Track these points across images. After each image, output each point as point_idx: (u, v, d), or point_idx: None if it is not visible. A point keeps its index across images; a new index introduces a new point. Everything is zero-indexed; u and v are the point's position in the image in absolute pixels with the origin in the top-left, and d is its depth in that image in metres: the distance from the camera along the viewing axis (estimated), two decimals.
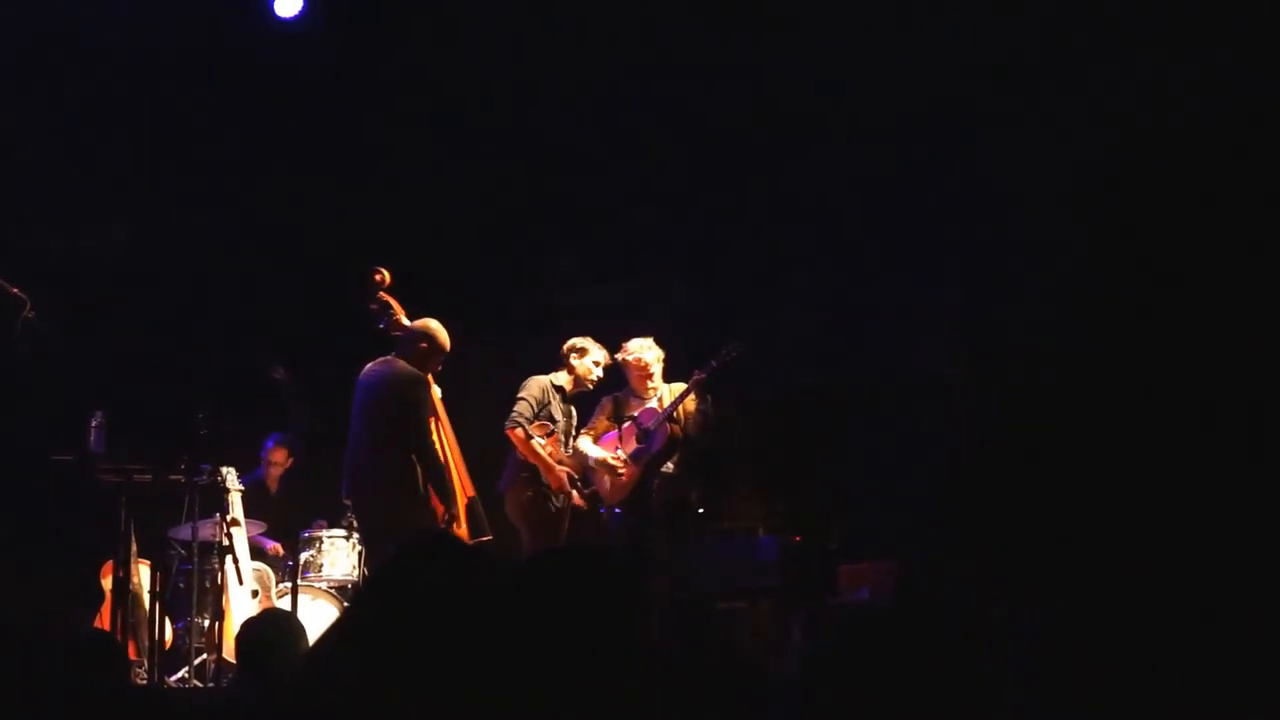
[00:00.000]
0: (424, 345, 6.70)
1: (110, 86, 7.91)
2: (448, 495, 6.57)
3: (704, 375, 6.99)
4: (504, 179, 8.64)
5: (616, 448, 7.20)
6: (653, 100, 8.26)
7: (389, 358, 6.74)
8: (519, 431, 7.04)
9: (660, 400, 7.21)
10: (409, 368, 6.64)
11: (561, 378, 7.29)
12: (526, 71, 8.37)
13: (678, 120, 8.30)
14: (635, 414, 7.14)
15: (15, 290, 6.08)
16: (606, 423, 7.30)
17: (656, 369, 7.21)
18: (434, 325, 6.75)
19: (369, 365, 6.79)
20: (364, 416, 6.63)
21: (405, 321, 6.92)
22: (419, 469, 6.55)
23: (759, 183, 8.27)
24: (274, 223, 8.47)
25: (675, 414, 7.11)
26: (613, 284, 8.32)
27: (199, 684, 6.70)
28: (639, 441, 7.13)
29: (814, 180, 8.05)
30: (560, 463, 7.15)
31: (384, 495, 6.54)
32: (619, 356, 7.24)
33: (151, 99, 8.05)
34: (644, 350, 7.20)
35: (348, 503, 7.32)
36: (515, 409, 7.09)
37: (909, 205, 7.75)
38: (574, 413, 7.37)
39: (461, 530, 6.79)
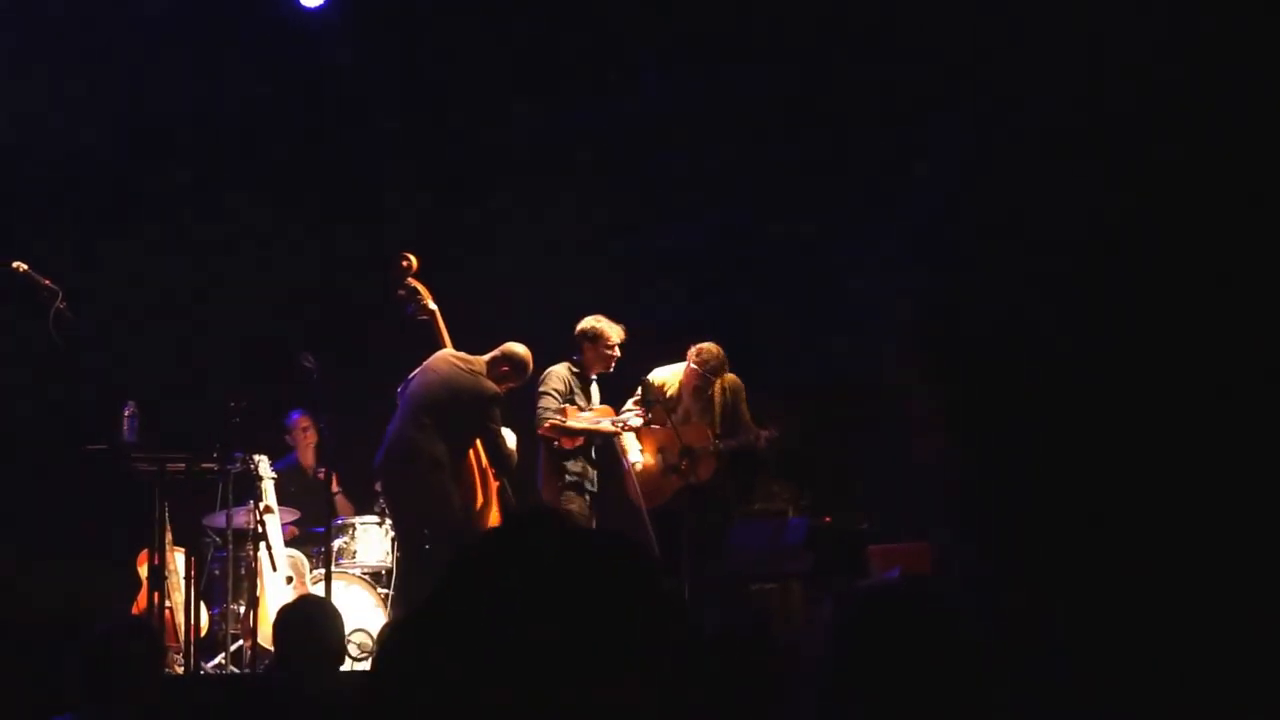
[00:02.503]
0: (505, 368, 6.85)
1: (134, 75, 7.91)
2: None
3: (774, 435, 7.06)
4: (519, 170, 8.64)
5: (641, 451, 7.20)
6: (669, 93, 8.25)
7: (473, 361, 6.84)
8: (550, 424, 7.03)
9: (712, 399, 7.14)
10: (491, 385, 6.77)
11: (579, 362, 7.25)
12: (537, 63, 8.36)
13: (691, 113, 8.29)
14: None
15: (47, 282, 6.14)
16: (637, 407, 7.28)
17: (704, 387, 7.16)
18: (521, 352, 6.88)
19: (446, 356, 6.87)
20: (425, 405, 6.71)
21: (432, 306, 6.97)
22: (463, 463, 6.73)
23: (781, 172, 8.26)
24: (297, 211, 8.48)
25: (715, 427, 7.10)
26: (633, 273, 8.31)
27: (235, 670, 6.75)
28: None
29: (832, 169, 8.04)
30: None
31: (421, 477, 6.62)
32: (692, 365, 7.15)
33: (174, 87, 8.05)
34: (709, 372, 7.11)
35: (378, 487, 7.37)
36: (540, 405, 7.07)
37: (931, 193, 7.73)
38: (595, 392, 7.36)
39: (489, 515, 6.85)
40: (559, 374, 7.18)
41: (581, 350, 7.24)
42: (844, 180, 8.03)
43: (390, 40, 8.39)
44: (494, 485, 7.01)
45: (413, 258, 7.02)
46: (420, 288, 7.00)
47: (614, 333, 7.22)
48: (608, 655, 1.70)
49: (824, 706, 2.47)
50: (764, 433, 7.16)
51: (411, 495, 6.71)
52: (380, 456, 6.87)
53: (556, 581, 1.72)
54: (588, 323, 7.24)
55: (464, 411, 6.71)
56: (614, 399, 7.43)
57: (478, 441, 6.93)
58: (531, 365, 6.90)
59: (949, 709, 2.34)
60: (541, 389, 7.11)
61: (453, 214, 8.61)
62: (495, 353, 6.90)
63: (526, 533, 1.83)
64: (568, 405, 7.10)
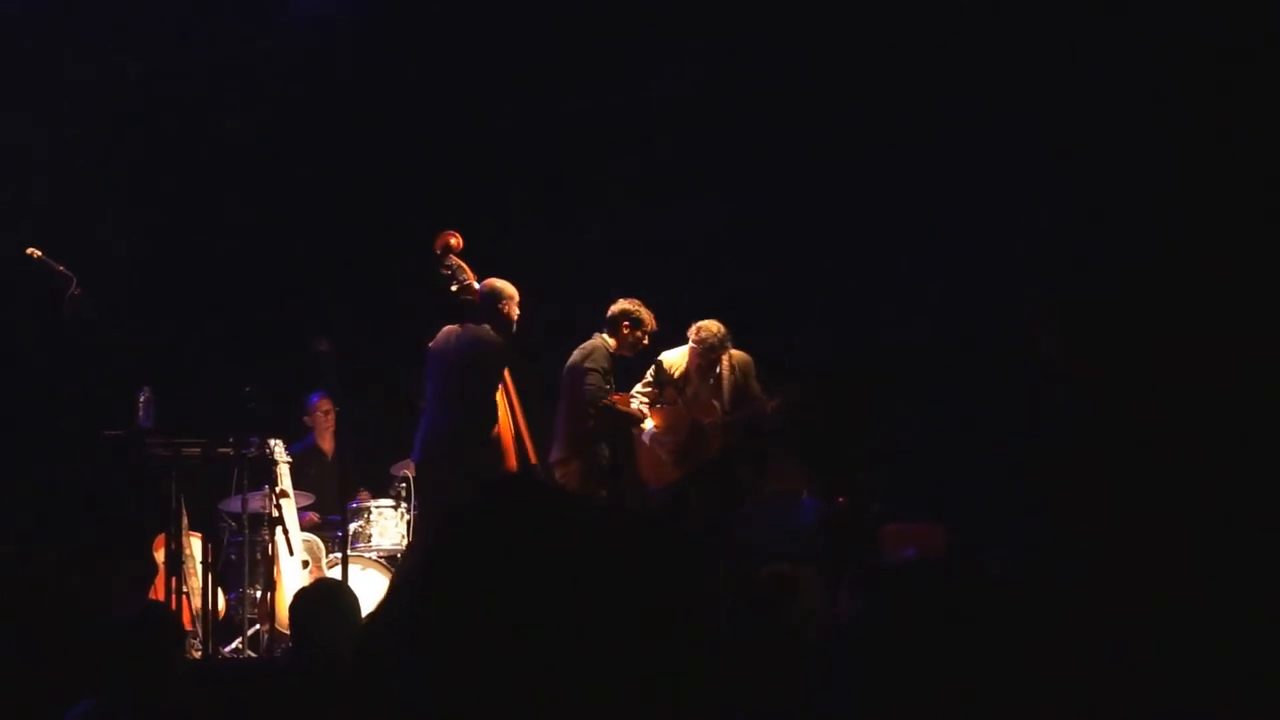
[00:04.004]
0: (503, 305, 6.73)
1: (148, 58, 7.91)
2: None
3: (780, 403, 7.01)
4: (538, 152, 8.61)
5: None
6: (689, 76, 8.23)
7: (471, 325, 6.76)
8: (606, 402, 6.92)
9: (718, 376, 7.11)
10: (497, 336, 6.68)
11: (612, 342, 7.18)
12: (557, 45, 8.33)
13: (712, 94, 8.26)
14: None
15: (61, 268, 6.15)
16: (648, 389, 7.26)
17: (714, 365, 7.14)
18: (499, 282, 6.80)
19: (449, 332, 6.80)
20: (449, 381, 6.64)
21: (477, 286, 6.92)
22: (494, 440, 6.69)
23: (793, 150, 8.23)
24: (314, 192, 8.47)
25: (724, 404, 7.08)
26: (653, 254, 8.29)
27: (253, 654, 6.77)
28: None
29: (850, 145, 8.01)
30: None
31: (456, 469, 6.53)
32: (691, 341, 7.12)
33: (186, 68, 8.04)
34: (705, 351, 7.10)
35: (406, 472, 7.33)
36: (588, 381, 6.95)
37: (950, 171, 7.69)
38: None
39: None
40: (604, 352, 7.08)
41: (619, 331, 7.15)
42: (857, 164, 8.02)
43: (399, 27, 8.36)
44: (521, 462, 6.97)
45: (458, 235, 6.95)
46: (464, 266, 6.95)
47: (651, 320, 7.18)
48: (592, 625, 1.69)
49: (842, 688, 2.46)
50: (771, 402, 7.09)
51: (456, 476, 6.60)
52: (417, 452, 6.81)
53: (534, 552, 1.70)
54: (631, 306, 7.16)
55: (479, 373, 6.62)
56: (625, 381, 7.41)
57: (515, 413, 6.87)
58: (513, 286, 6.79)
59: (971, 689, 2.32)
60: (588, 364, 7.00)
61: (465, 200, 8.58)
62: (482, 303, 6.76)
63: (503, 504, 1.79)
64: (609, 388, 7.03)
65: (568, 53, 8.40)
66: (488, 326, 6.73)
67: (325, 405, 8.14)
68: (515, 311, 6.80)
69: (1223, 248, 7.02)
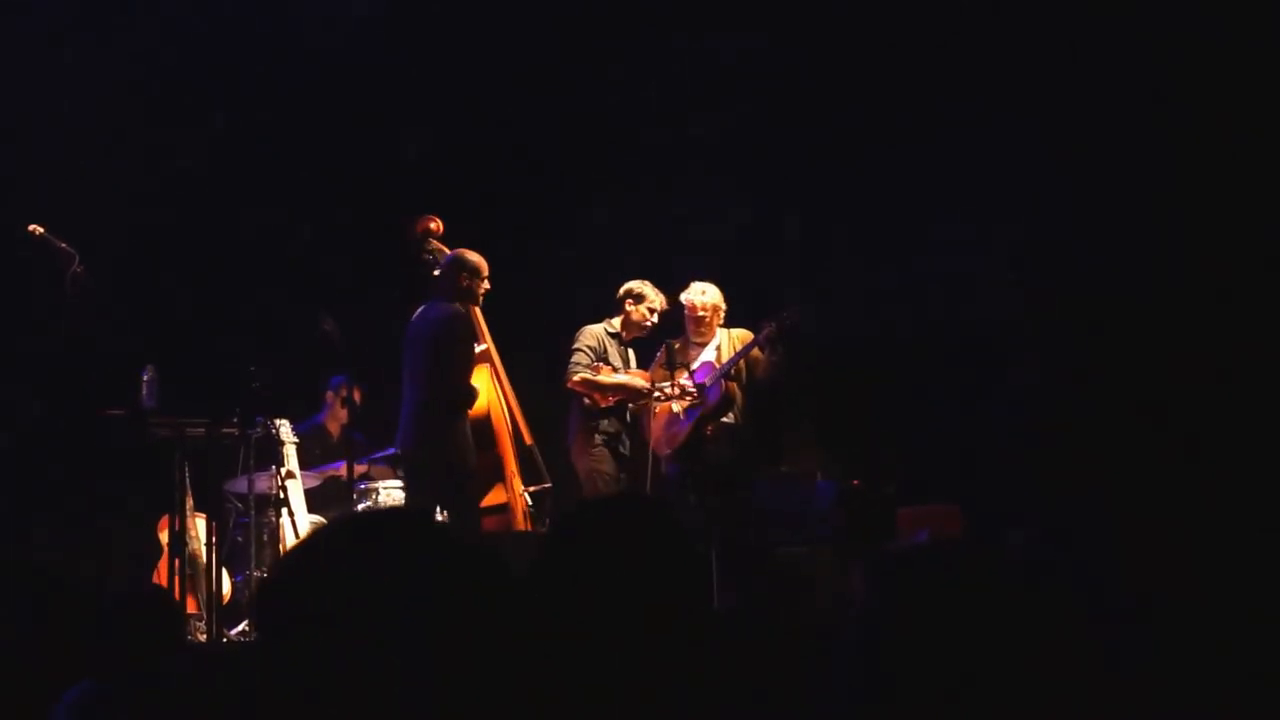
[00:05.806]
0: (462, 278, 6.60)
1: (151, 39, 7.87)
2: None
3: (773, 328, 6.95)
4: (550, 136, 8.58)
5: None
6: (706, 61, 8.22)
7: (435, 302, 6.63)
8: (580, 377, 6.93)
9: (718, 350, 7.12)
10: (452, 306, 6.55)
11: (616, 323, 7.18)
12: (557, 45, 8.31)
13: (712, 94, 8.25)
14: (693, 367, 7.03)
15: (64, 245, 6.09)
16: (662, 371, 7.24)
17: (708, 315, 7.14)
18: (465, 253, 6.67)
19: (417, 313, 6.69)
20: (415, 362, 6.52)
21: None
22: (483, 424, 6.60)
23: (793, 150, 8.22)
24: (319, 175, 8.43)
25: (734, 370, 7.03)
26: (666, 235, 8.27)
27: None
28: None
29: (850, 145, 8.01)
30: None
31: (440, 443, 6.44)
32: (682, 296, 7.17)
33: (192, 54, 8.00)
34: (695, 294, 7.13)
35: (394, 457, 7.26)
36: (572, 360, 6.98)
37: (950, 171, 7.70)
38: (633, 357, 7.28)
39: (516, 478, 6.76)
40: (593, 332, 7.10)
41: (623, 311, 7.18)
42: (857, 164, 8.02)
43: (412, 23, 8.33)
44: (509, 456, 6.92)
45: (438, 220, 6.89)
46: (446, 250, 6.89)
47: (656, 298, 7.18)
48: (592, 621, 1.63)
49: (858, 676, 2.41)
50: (765, 329, 7.06)
51: (440, 461, 6.51)
52: (398, 440, 6.70)
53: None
54: (635, 284, 7.20)
55: (441, 348, 6.49)
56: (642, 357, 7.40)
57: (503, 393, 6.81)
58: (481, 258, 6.68)
59: (992, 677, 2.28)
60: (574, 345, 7.03)
61: (465, 199, 8.54)
62: (444, 272, 6.66)
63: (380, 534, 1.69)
64: (600, 364, 7.00)
65: (568, 53, 8.38)
66: (447, 296, 6.60)
67: (347, 394, 8.03)
68: (479, 286, 6.66)
69: (1223, 248, 7.04)
